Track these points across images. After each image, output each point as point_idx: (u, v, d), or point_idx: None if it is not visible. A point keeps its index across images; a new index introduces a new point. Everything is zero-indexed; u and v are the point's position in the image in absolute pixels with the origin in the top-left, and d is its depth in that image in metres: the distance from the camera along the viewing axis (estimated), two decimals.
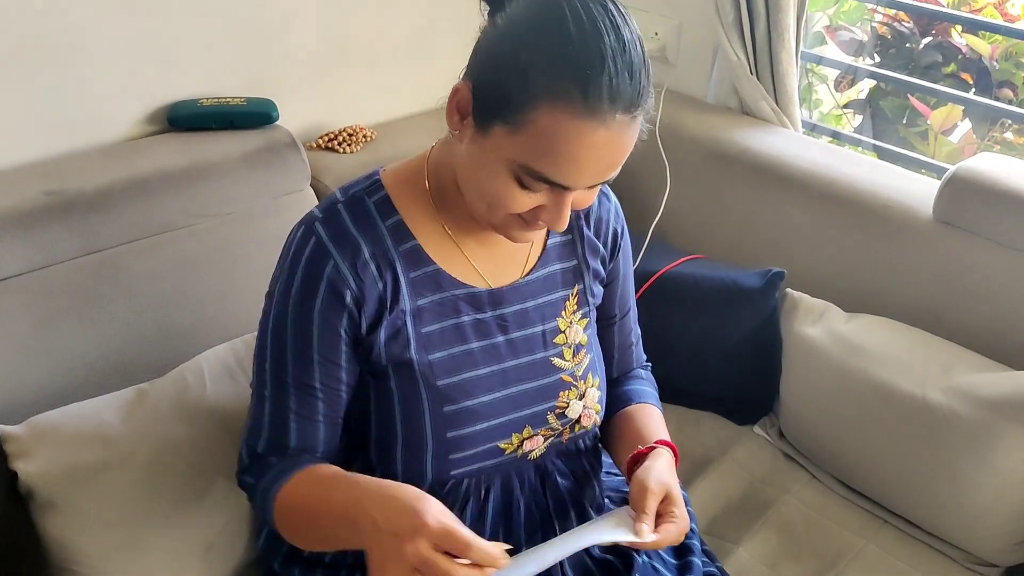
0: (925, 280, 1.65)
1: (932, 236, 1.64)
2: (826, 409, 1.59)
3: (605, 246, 1.25)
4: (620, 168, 0.99)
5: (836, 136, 2.26)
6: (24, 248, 1.31)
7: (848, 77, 2.65)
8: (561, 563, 1.20)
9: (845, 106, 2.71)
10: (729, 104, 2.07)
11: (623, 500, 1.36)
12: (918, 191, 1.70)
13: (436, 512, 0.92)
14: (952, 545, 1.49)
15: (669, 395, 1.74)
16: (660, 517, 1.08)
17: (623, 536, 1.06)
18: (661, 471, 1.12)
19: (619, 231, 1.27)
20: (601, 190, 1.24)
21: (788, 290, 1.69)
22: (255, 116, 1.58)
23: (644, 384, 1.35)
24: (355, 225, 1.08)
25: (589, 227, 1.23)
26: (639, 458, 1.17)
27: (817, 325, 1.62)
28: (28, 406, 1.28)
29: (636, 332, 1.38)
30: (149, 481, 1.23)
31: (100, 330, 1.38)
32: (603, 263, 1.25)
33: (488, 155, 0.98)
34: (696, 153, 1.95)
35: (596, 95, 0.90)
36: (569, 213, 1.02)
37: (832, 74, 2.65)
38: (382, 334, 1.09)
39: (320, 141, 1.77)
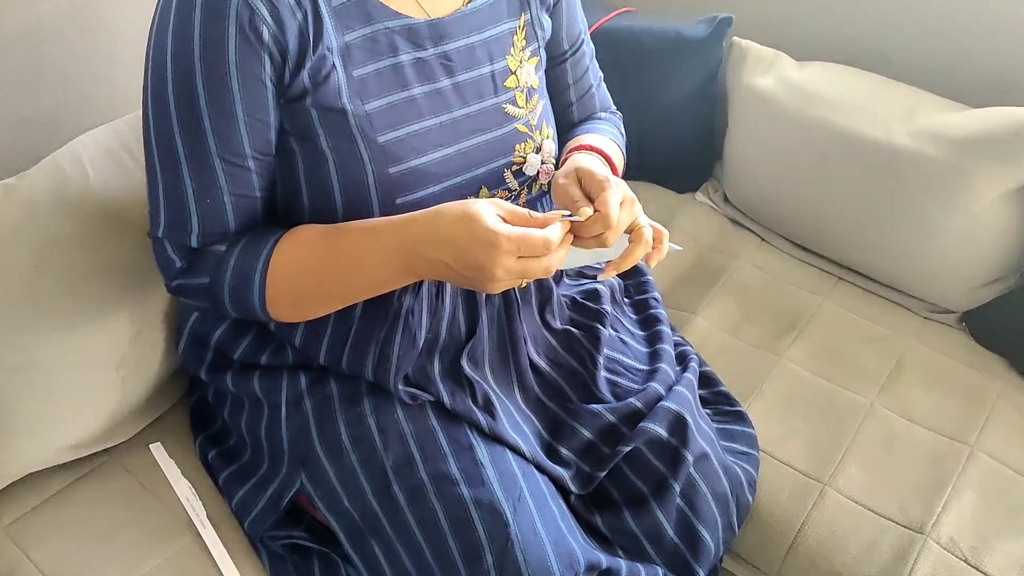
0: (878, 20, 1.53)
1: None
2: (779, 165, 1.49)
3: None
4: None
5: None
6: None
7: None
8: (524, 338, 1.10)
9: None
10: None
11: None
12: None
13: (496, 221, 0.85)
14: (910, 296, 1.45)
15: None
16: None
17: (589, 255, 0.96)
18: (568, 165, 1.00)
19: None
20: None
21: (735, 38, 1.54)
22: None
23: (601, 123, 1.20)
24: None
25: None
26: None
27: (768, 75, 1.49)
28: None
29: (596, 73, 1.22)
30: (34, 291, 1.02)
31: None
32: None
33: None
34: None
35: None
36: None
37: None
38: (306, 79, 0.90)
39: None
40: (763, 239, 1.56)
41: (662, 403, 1.08)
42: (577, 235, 0.91)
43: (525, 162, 1.05)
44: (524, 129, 1.05)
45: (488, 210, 0.86)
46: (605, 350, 1.16)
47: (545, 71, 1.14)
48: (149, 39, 0.89)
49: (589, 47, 1.20)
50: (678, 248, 1.02)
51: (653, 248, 0.97)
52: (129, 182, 1.10)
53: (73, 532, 1.04)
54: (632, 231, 0.95)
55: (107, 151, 1.12)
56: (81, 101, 1.22)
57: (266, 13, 0.86)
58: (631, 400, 1.09)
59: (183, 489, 1.10)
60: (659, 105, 1.57)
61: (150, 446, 1.14)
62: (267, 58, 0.87)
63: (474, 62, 1.01)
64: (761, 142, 1.51)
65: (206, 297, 0.96)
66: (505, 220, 0.87)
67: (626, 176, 1.61)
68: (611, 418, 1.08)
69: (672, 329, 1.29)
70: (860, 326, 1.41)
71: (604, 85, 1.24)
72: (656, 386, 1.12)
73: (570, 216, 0.91)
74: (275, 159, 0.95)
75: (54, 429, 1.05)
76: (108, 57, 1.24)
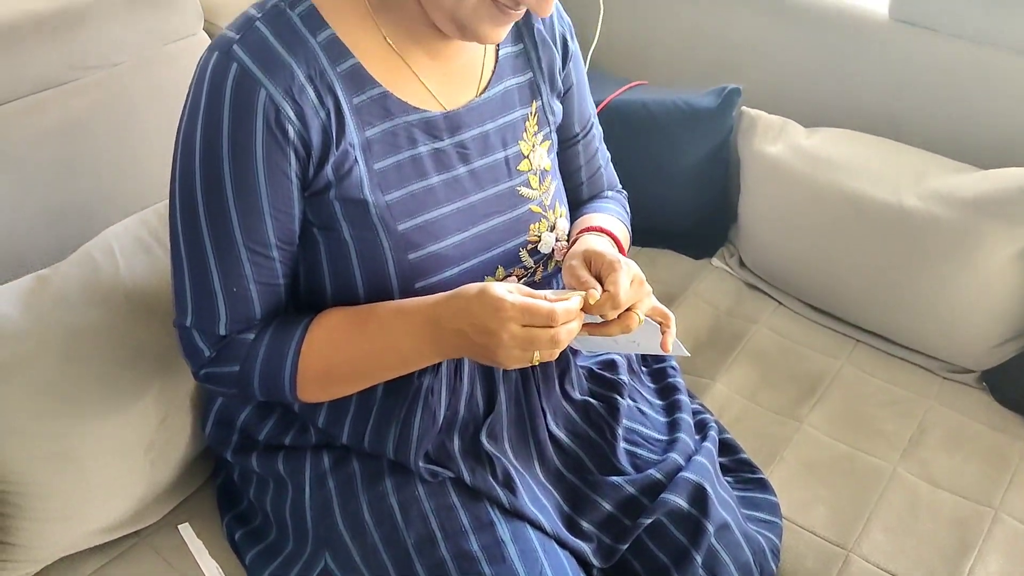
0: (885, 85, 1.56)
1: (890, 36, 1.54)
2: (792, 229, 1.51)
3: (556, 51, 1.11)
4: None
5: None
6: None
7: None
8: (544, 413, 1.12)
9: None
10: None
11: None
12: None
13: (505, 292, 0.89)
14: (929, 356, 1.45)
15: None
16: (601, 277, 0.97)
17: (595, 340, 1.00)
18: (577, 247, 1.03)
19: (568, 35, 1.14)
20: None
21: (744, 108, 1.57)
22: None
23: (608, 202, 1.23)
24: (281, 43, 0.90)
25: (540, 31, 1.10)
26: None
27: (778, 142, 1.52)
28: None
29: (604, 153, 1.26)
30: (65, 380, 1.05)
31: None
32: (558, 72, 1.12)
33: None
34: None
35: None
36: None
37: None
38: (330, 173, 0.93)
39: None
40: (780, 303, 1.57)
41: (682, 474, 1.09)
42: (587, 312, 0.94)
43: (540, 240, 1.08)
44: (538, 209, 1.08)
45: (502, 285, 0.90)
46: (624, 421, 1.17)
47: (557, 153, 1.18)
48: (178, 132, 0.93)
49: (598, 129, 1.24)
50: (686, 353, 1.05)
51: (663, 332, 0.99)
52: (156, 269, 1.14)
53: None
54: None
55: (136, 240, 1.17)
56: (112, 192, 1.27)
57: (291, 112, 0.89)
58: (651, 472, 1.10)
59: (211, 569, 1.11)
60: (672, 173, 1.60)
61: (179, 527, 1.16)
62: (292, 154, 0.91)
63: (488, 149, 1.04)
64: (773, 208, 1.53)
65: (235, 384, 0.99)
66: (524, 304, 0.89)
67: (642, 242, 1.66)
68: (631, 490, 1.09)
69: (691, 396, 1.31)
70: (880, 389, 1.41)
71: (611, 165, 1.28)
72: (676, 456, 1.13)
73: (579, 301, 0.93)
74: (298, 247, 0.99)
75: (86, 514, 1.08)
76: (138, 149, 1.30)
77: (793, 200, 1.49)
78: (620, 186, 1.30)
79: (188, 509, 1.19)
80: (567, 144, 1.19)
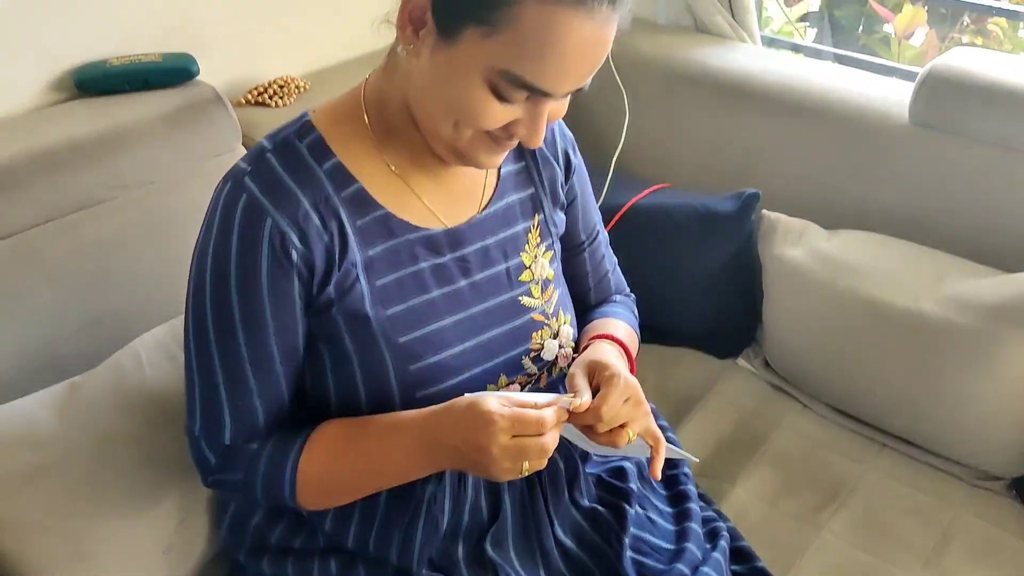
0: (905, 188, 1.57)
1: (910, 141, 1.56)
2: (814, 332, 1.51)
3: (558, 167, 1.16)
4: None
5: (796, 49, 2.16)
6: None
7: None
8: (551, 520, 1.13)
9: (799, 20, 2.61)
10: (682, 23, 1.95)
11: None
12: (891, 95, 1.61)
13: (496, 405, 0.91)
14: (955, 462, 1.42)
15: (647, 335, 1.65)
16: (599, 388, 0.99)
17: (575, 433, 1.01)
18: (586, 355, 1.05)
19: (569, 150, 1.18)
20: None
21: (764, 212, 1.59)
22: (172, 73, 1.44)
23: (617, 306, 1.26)
24: (289, 173, 0.96)
25: (542, 149, 1.14)
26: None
27: (798, 246, 1.53)
28: None
29: (611, 259, 1.29)
30: (91, 482, 1.11)
31: (23, 323, 1.25)
32: (561, 187, 1.16)
33: (457, 65, 0.88)
34: (654, 77, 1.84)
35: None
36: (545, 127, 0.93)
37: None
38: (332, 291, 0.99)
39: (249, 96, 1.63)
40: (805, 405, 1.56)
41: None
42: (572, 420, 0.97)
43: (543, 348, 1.11)
44: (540, 317, 1.11)
45: (492, 397, 0.93)
46: (632, 529, 1.17)
47: (564, 260, 1.21)
48: (194, 251, 1.00)
49: (603, 236, 1.27)
50: (694, 459, 1.06)
51: (652, 458, 1.01)
52: (179, 376, 1.19)
53: None
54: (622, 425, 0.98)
55: (163, 348, 1.23)
56: (146, 301, 1.34)
57: (295, 238, 0.95)
58: None
59: None
60: (695, 275, 1.62)
61: None
62: (296, 276, 0.96)
63: (489, 262, 1.08)
64: (795, 310, 1.53)
65: (241, 490, 1.04)
66: (514, 414, 0.92)
67: (667, 341, 1.67)
68: None
69: (708, 502, 1.30)
70: (904, 495, 1.38)
71: (618, 270, 1.31)
72: (682, 567, 1.12)
73: (568, 403, 0.96)
74: (303, 361, 1.03)
75: None
76: (170, 262, 1.36)
77: (813, 304, 1.49)
78: (628, 289, 1.33)
79: None
80: (573, 252, 1.23)
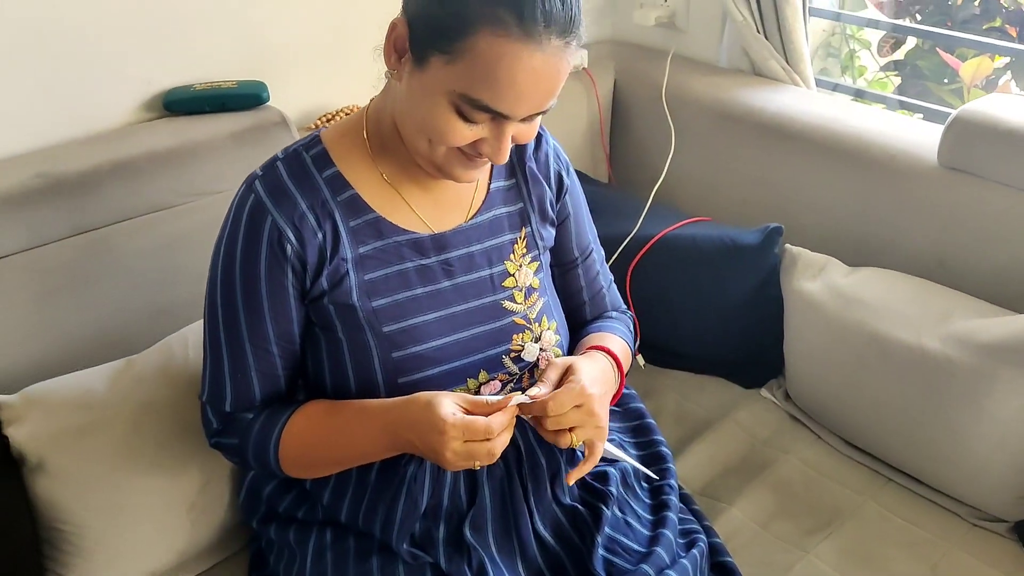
0: (931, 227, 1.59)
1: (937, 182, 1.58)
2: (827, 366, 1.54)
3: (549, 186, 1.26)
4: (555, 99, 1.02)
5: (859, 95, 2.18)
6: (18, 228, 1.38)
7: (891, 40, 2.56)
8: (531, 512, 1.21)
9: (884, 68, 2.61)
10: (741, 67, 2.03)
11: None
12: (924, 138, 1.64)
13: (449, 412, 1.02)
14: (959, 502, 1.42)
15: (673, 360, 1.73)
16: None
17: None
18: (572, 358, 1.15)
19: (563, 172, 1.28)
20: (541, 134, 1.25)
21: (787, 246, 1.64)
22: (246, 98, 1.63)
23: (613, 321, 1.34)
24: (291, 179, 1.11)
25: (532, 169, 1.24)
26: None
27: (817, 280, 1.57)
28: (27, 378, 1.33)
29: (606, 276, 1.38)
30: (130, 443, 1.28)
31: (94, 307, 1.44)
32: (551, 205, 1.26)
33: (426, 88, 1.00)
34: (703, 115, 1.92)
35: (531, 18, 0.94)
36: (509, 146, 1.04)
37: (875, 38, 2.56)
38: (324, 283, 1.12)
39: (319, 122, 1.81)
40: (819, 436, 1.59)
41: None
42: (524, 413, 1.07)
43: (523, 350, 1.21)
44: (522, 321, 1.21)
45: (448, 402, 1.04)
46: (606, 529, 1.24)
47: (559, 275, 1.31)
48: (215, 246, 1.16)
49: (598, 253, 1.36)
50: (654, 476, 1.19)
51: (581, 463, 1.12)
52: None
53: None
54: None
55: None
56: (203, 297, 1.51)
57: (291, 235, 1.09)
58: None
59: None
60: (721, 305, 1.68)
61: None
62: (290, 269, 1.11)
63: (473, 267, 1.19)
64: (811, 343, 1.57)
65: (236, 454, 1.19)
66: (465, 409, 1.05)
67: (695, 371, 1.73)
68: None
69: (699, 517, 1.35)
70: (900, 528, 1.39)
71: (615, 288, 1.39)
72: (647, 568, 1.19)
73: (521, 399, 1.06)
74: (301, 346, 1.17)
75: (131, 558, 1.27)
76: None
77: (827, 337, 1.53)
78: (624, 307, 1.41)
79: (227, 568, 1.37)
80: (567, 267, 1.32)
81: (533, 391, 1.08)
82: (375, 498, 1.19)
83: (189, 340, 1.39)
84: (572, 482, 1.13)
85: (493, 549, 1.19)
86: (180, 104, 1.62)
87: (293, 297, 1.13)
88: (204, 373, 1.18)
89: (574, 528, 1.25)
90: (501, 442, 1.04)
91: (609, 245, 1.66)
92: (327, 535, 1.22)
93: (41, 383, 1.31)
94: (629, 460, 1.21)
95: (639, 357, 1.75)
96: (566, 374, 1.12)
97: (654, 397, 1.68)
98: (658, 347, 1.75)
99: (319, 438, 1.14)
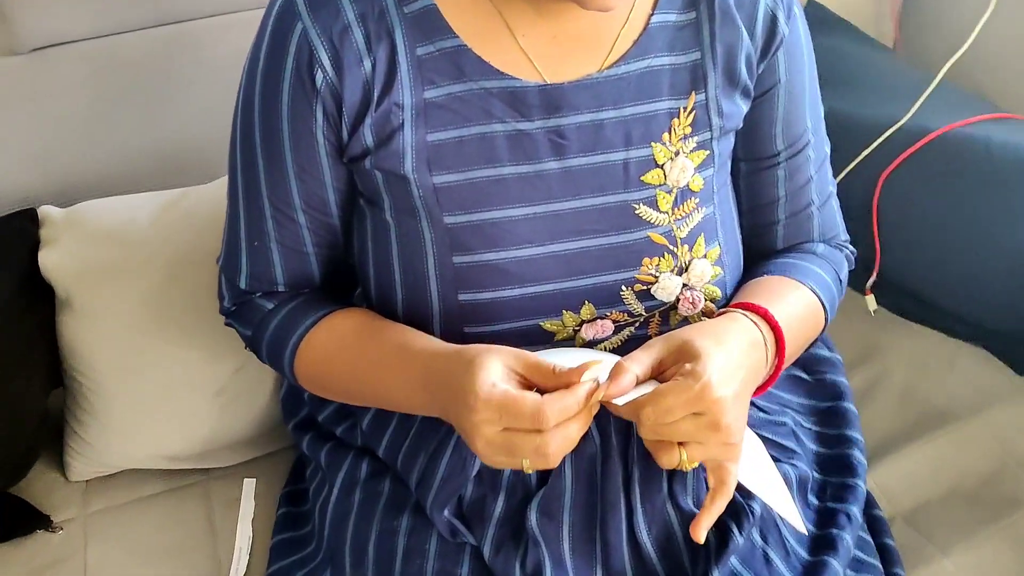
0: None
1: None
2: None
3: (752, 32, 0.83)
4: None
5: None
6: (87, 8, 1.13)
7: None
8: (632, 509, 0.85)
9: None
10: None
11: None
12: None
13: (487, 381, 0.69)
14: None
15: (920, 312, 1.27)
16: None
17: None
18: (694, 328, 0.77)
19: (778, 11, 0.84)
20: None
21: None
22: None
23: (812, 262, 0.91)
24: None
25: (725, 2, 0.82)
26: None
27: None
28: (83, 191, 1.15)
29: (823, 187, 0.94)
30: (160, 296, 1.06)
31: (170, 113, 1.20)
32: (748, 64, 0.83)
33: None
34: None
35: None
36: None
37: None
38: (367, 136, 0.79)
39: None
40: None
41: None
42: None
43: (657, 282, 0.83)
44: (662, 240, 0.83)
45: (496, 364, 0.71)
46: (732, 561, 0.85)
47: (743, 175, 0.90)
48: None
49: (817, 150, 0.92)
50: (802, 529, 0.74)
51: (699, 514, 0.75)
52: None
53: (131, 545, 1.04)
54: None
55: None
56: None
57: (325, 57, 0.77)
58: None
59: (242, 538, 1.05)
60: (1010, 248, 1.15)
61: (245, 480, 1.11)
62: (320, 110, 0.79)
63: (600, 144, 0.81)
64: None
65: (250, 346, 0.93)
66: (521, 378, 0.71)
67: (950, 333, 1.22)
68: None
69: (888, 560, 0.95)
70: None
71: (834, 204, 0.95)
72: None
73: (605, 373, 0.71)
74: (345, 221, 0.88)
75: (146, 434, 1.07)
76: None
77: None
78: (845, 236, 0.97)
79: (267, 467, 1.12)
80: (760, 165, 0.91)
81: (623, 378, 0.69)
82: (417, 442, 0.90)
83: None
84: (701, 537, 0.75)
85: (564, 547, 0.85)
86: None
87: (325, 151, 0.82)
88: (224, 230, 0.91)
89: (687, 545, 0.86)
90: (562, 437, 0.69)
91: (859, 135, 1.22)
92: (362, 467, 0.95)
93: (90, 202, 1.13)
94: (775, 500, 0.79)
95: (869, 297, 1.27)
96: (678, 360, 0.73)
97: (875, 361, 1.20)
98: (904, 289, 1.25)
99: (343, 363, 0.86)
